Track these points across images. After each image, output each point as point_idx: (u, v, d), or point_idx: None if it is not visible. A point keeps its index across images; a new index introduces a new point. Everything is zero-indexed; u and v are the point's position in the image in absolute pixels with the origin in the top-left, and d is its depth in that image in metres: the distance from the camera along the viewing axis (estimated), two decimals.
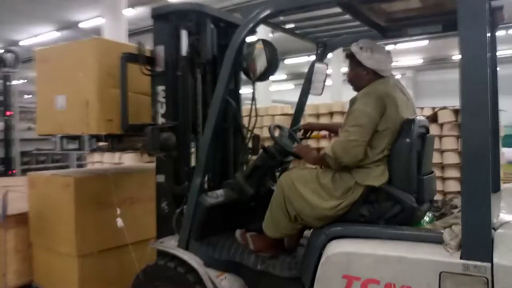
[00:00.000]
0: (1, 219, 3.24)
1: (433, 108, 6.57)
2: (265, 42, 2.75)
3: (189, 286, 2.31)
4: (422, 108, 6.83)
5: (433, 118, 6.27)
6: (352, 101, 2.21)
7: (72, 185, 3.13)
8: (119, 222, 3.19)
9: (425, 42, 16.02)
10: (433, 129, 6.22)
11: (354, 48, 2.27)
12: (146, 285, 2.52)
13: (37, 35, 15.36)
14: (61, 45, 3.48)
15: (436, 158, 6.22)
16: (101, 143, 3.30)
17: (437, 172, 6.12)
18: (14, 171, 7.23)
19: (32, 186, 3.58)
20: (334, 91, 15.76)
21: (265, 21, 2.42)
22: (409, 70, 23.69)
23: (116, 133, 3.12)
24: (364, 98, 2.17)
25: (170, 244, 2.50)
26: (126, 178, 3.49)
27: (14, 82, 7.28)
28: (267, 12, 2.29)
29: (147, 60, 2.86)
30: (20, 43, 16.02)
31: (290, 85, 24.95)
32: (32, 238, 3.58)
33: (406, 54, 19.61)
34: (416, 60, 21.61)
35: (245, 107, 3.50)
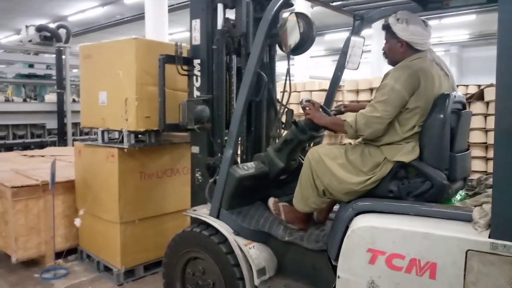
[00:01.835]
0: (50, 186, 3.45)
1: (479, 86, 6.28)
2: (300, 15, 2.69)
3: (220, 253, 2.40)
4: (467, 86, 6.54)
5: (479, 96, 5.99)
6: (386, 75, 2.17)
7: (116, 155, 3.26)
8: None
9: (472, 17, 15.00)
10: (478, 107, 5.95)
11: (391, 19, 2.21)
12: (180, 245, 2.65)
13: (84, 11, 15.82)
14: (103, 43, 3.59)
15: (480, 137, 5.97)
16: (140, 136, 3.43)
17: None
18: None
19: (78, 155, 3.76)
20: (375, 66, 15.23)
21: None
22: (454, 46, 22.43)
23: (153, 129, 3.23)
24: (396, 72, 2.11)
25: (202, 212, 2.60)
26: (168, 150, 3.59)
27: (65, 57, 7.53)
28: None
29: (184, 60, 2.92)
30: (69, 19, 16.59)
31: (328, 61, 24.46)
32: (78, 205, 3.80)
33: (451, 29, 18.47)
34: (462, 35, 20.31)
35: (282, 82, 3.50)
